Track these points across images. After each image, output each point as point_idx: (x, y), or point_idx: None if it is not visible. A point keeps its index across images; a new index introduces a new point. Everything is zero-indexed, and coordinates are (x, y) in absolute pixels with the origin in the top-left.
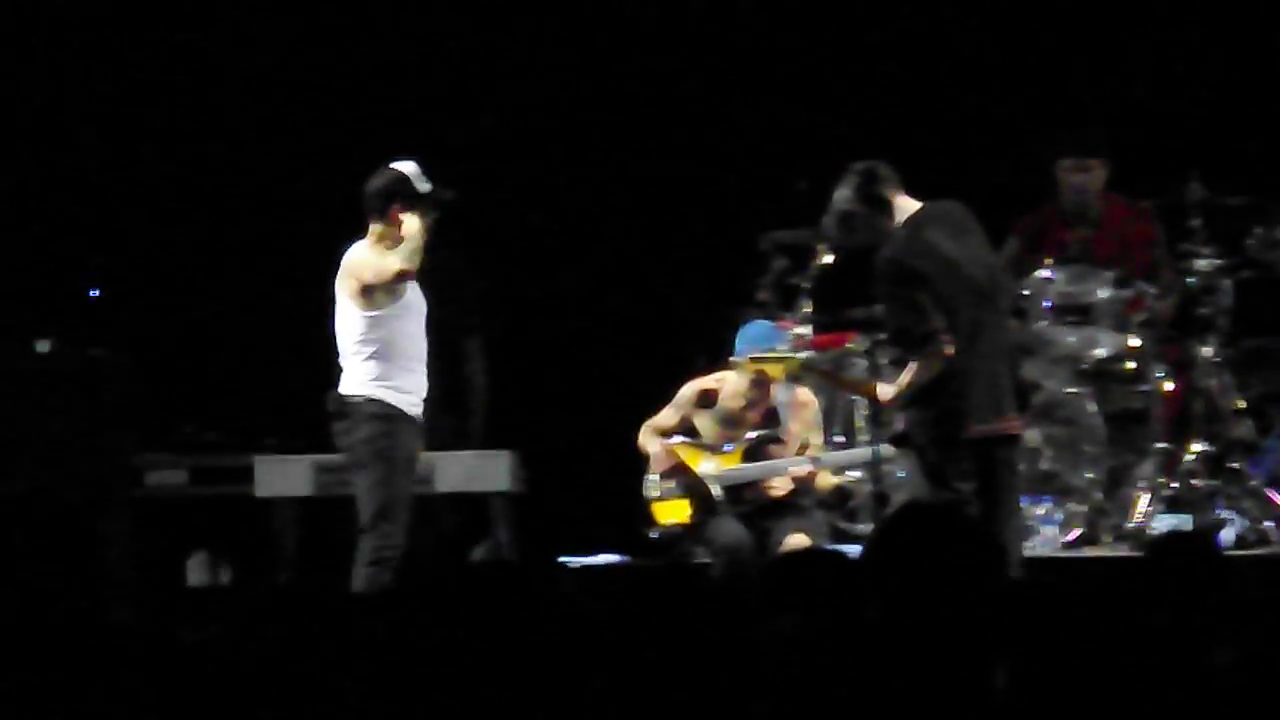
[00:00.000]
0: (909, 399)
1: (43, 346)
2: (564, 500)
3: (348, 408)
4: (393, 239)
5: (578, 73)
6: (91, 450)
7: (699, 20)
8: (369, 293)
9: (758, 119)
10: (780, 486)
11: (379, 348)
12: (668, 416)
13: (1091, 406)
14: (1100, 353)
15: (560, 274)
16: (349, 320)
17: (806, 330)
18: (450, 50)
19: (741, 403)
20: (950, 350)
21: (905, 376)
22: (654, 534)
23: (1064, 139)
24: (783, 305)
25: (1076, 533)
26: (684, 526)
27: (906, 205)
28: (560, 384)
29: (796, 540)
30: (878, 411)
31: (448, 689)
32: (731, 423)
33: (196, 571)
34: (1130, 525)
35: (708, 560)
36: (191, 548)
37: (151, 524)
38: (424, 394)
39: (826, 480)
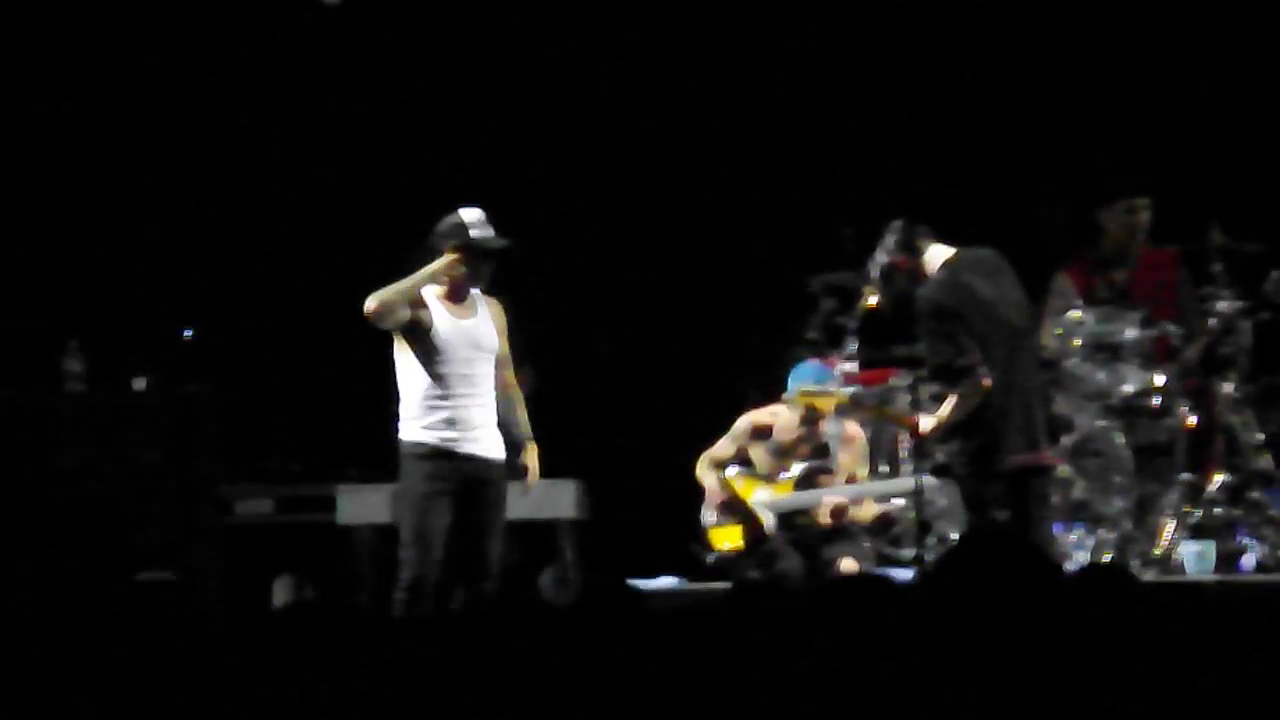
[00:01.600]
0: (948, 432)
1: (139, 384)
2: (627, 526)
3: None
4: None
5: (646, 113)
6: (185, 481)
7: (755, 72)
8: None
9: (810, 170)
10: (829, 514)
11: (400, 388)
12: (724, 447)
13: (1120, 439)
14: (1128, 389)
15: (629, 315)
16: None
17: (853, 367)
18: (509, 96)
19: (793, 435)
20: (987, 384)
21: (944, 410)
22: (710, 558)
23: (1122, 182)
24: (831, 343)
25: (1107, 558)
26: (738, 551)
27: (942, 252)
28: (625, 417)
29: (846, 565)
30: (920, 443)
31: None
32: (784, 454)
33: (282, 594)
34: (1157, 552)
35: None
36: (278, 572)
37: (241, 550)
38: (469, 428)
39: (871, 508)
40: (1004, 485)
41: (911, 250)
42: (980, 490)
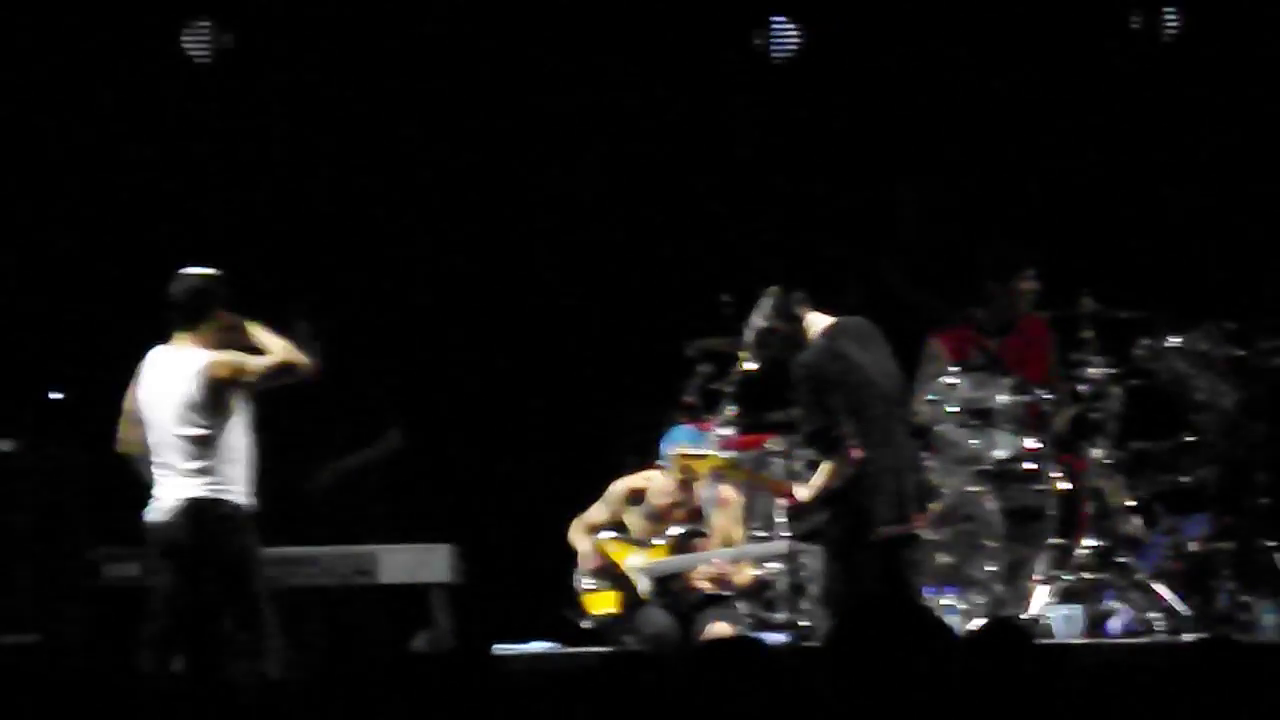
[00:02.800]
0: (821, 501)
1: (6, 445)
2: (501, 591)
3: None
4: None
5: (526, 171)
6: (52, 544)
7: (627, 134)
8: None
9: (687, 235)
10: (704, 579)
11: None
12: (598, 512)
13: (991, 504)
14: (999, 454)
15: (504, 377)
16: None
17: (729, 431)
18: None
19: (668, 500)
20: (858, 455)
21: (818, 479)
22: (586, 623)
23: (1019, 254)
24: (707, 408)
25: (979, 622)
26: (613, 616)
27: (819, 320)
28: (499, 481)
29: (719, 629)
30: (794, 508)
31: None
32: (658, 518)
33: (149, 661)
34: (1027, 615)
35: (637, 648)
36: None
37: (107, 613)
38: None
39: (746, 572)
40: (876, 555)
41: (789, 317)
42: (852, 559)
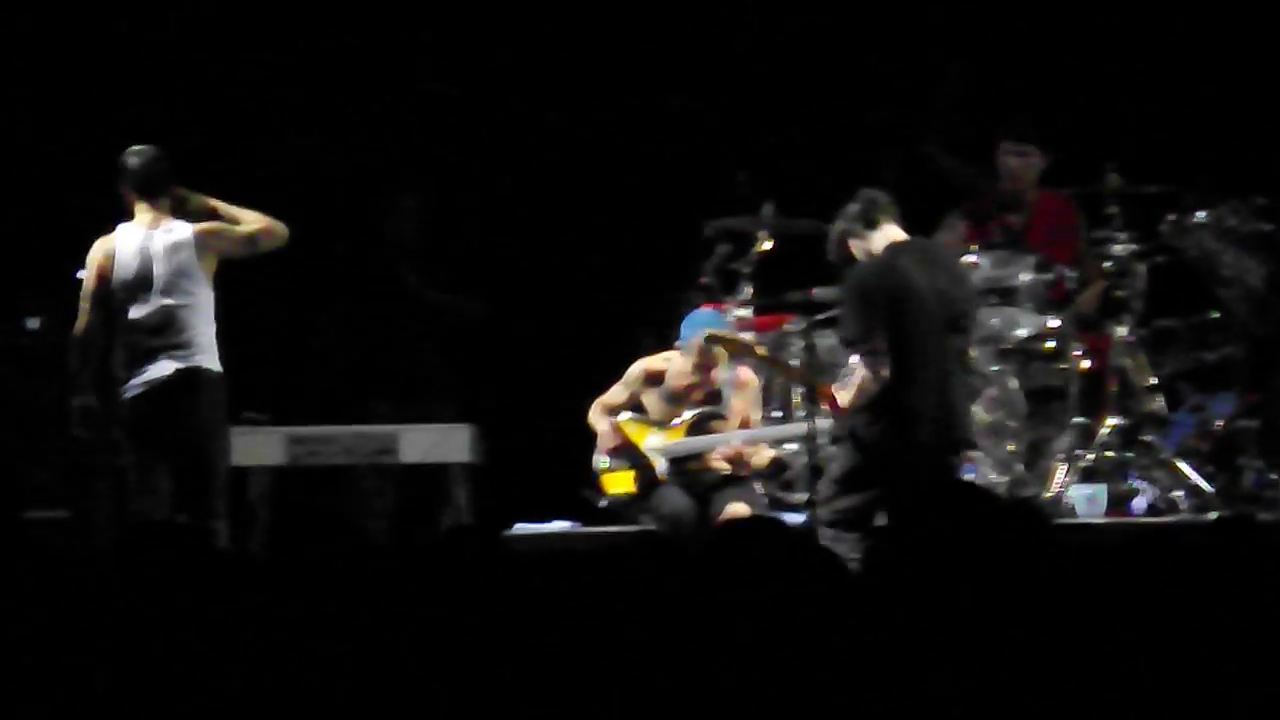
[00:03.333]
0: (860, 406)
1: (33, 323)
2: (520, 471)
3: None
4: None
5: (533, 59)
6: None
7: (651, 13)
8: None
9: (705, 112)
10: (721, 460)
11: (208, 322)
12: (617, 393)
13: (1013, 383)
14: (1022, 333)
15: (519, 259)
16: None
17: (747, 312)
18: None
19: (686, 381)
20: (884, 374)
21: (850, 392)
22: (603, 503)
23: (1005, 122)
24: (725, 289)
25: None
26: (631, 496)
27: (889, 235)
28: (520, 362)
29: (736, 509)
30: (813, 389)
31: (402, 653)
32: (677, 399)
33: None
34: (1048, 495)
35: (653, 528)
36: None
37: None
38: None
39: (764, 453)
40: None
41: (869, 223)
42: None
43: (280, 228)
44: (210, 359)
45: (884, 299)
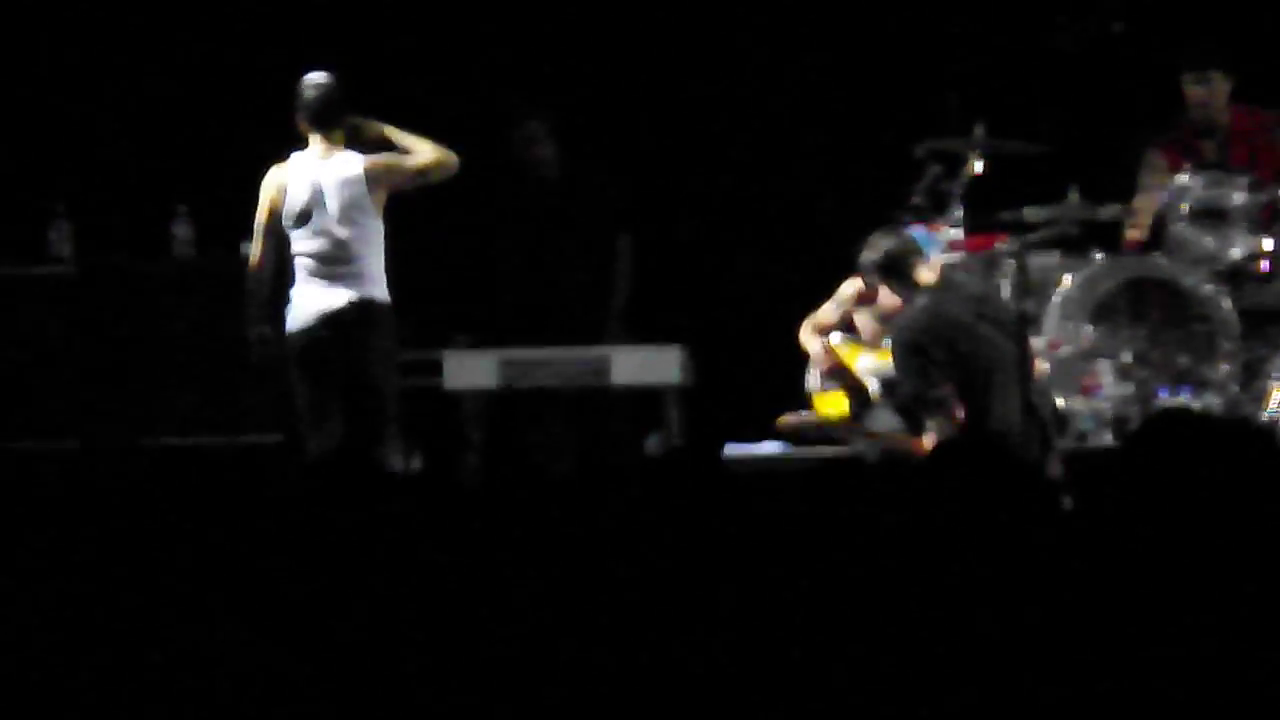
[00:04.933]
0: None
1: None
2: (731, 393)
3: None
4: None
5: None
6: None
7: None
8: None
9: (914, 36)
10: None
11: (380, 252)
12: (828, 313)
13: (1227, 304)
14: (1235, 254)
15: (734, 180)
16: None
17: (958, 233)
18: None
19: (896, 303)
20: (961, 415)
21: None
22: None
23: (1183, 53)
24: (936, 209)
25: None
26: (843, 418)
27: (925, 278)
28: (730, 283)
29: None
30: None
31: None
32: (887, 320)
33: (389, 458)
34: (1265, 415)
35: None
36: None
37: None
38: None
39: None
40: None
41: (902, 276)
42: None
43: (451, 158)
44: (380, 290)
45: (937, 345)
